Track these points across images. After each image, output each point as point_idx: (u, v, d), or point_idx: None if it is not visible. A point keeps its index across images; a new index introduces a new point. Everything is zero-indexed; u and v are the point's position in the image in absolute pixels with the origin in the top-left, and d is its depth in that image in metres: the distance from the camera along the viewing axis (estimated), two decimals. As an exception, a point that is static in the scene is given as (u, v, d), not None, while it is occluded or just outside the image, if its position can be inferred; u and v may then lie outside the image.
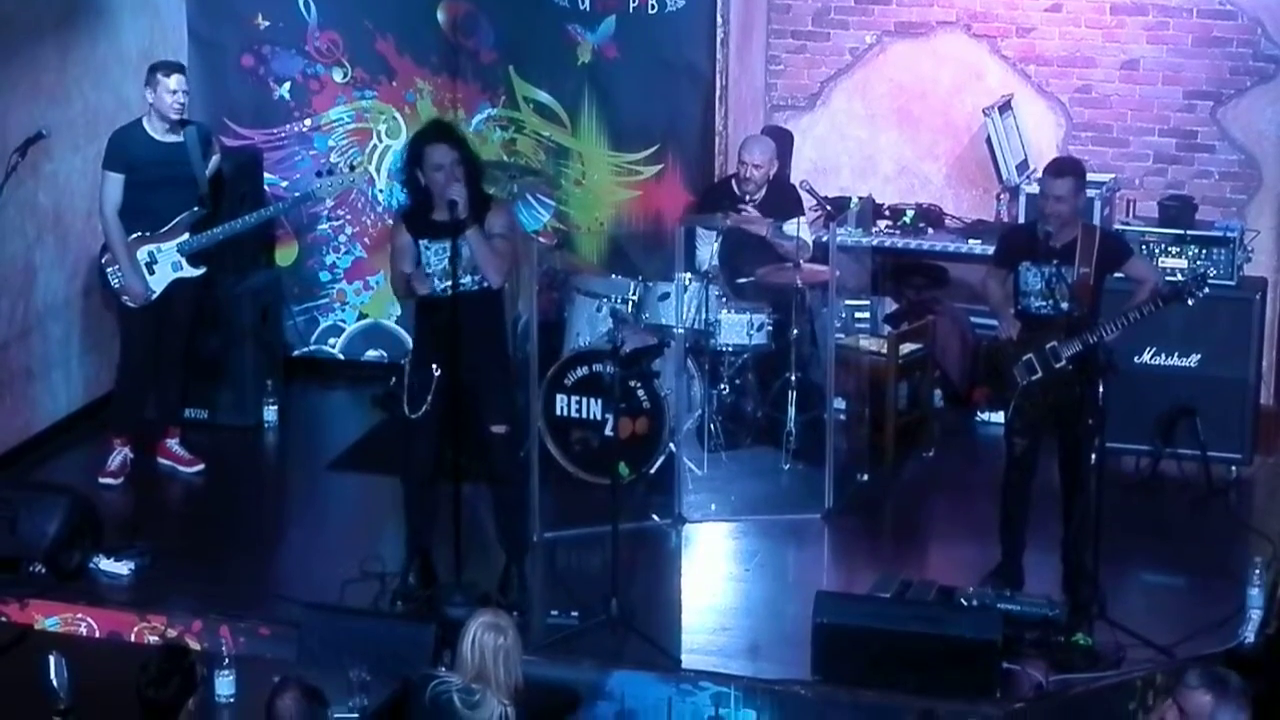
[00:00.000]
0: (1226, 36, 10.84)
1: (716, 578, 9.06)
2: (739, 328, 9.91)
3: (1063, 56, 11.12)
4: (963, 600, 8.14)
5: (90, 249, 10.24)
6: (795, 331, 9.93)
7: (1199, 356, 9.92)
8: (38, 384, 10.25)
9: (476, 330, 8.24)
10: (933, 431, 10.42)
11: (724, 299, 9.94)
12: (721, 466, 9.93)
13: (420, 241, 8.27)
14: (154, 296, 9.67)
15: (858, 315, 10.58)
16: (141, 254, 9.62)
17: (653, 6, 10.77)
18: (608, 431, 9.32)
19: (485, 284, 8.25)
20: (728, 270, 10.09)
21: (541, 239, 10.80)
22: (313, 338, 11.48)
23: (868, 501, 9.76)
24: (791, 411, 9.95)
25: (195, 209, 9.69)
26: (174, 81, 9.51)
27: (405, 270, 8.31)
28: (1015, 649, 7.87)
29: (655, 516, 9.44)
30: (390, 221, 11.06)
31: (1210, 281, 8.66)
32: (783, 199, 10.28)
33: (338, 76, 11.23)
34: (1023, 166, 10.93)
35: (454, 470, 8.32)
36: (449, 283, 8.13)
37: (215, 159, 9.92)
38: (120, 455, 9.86)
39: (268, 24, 11.21)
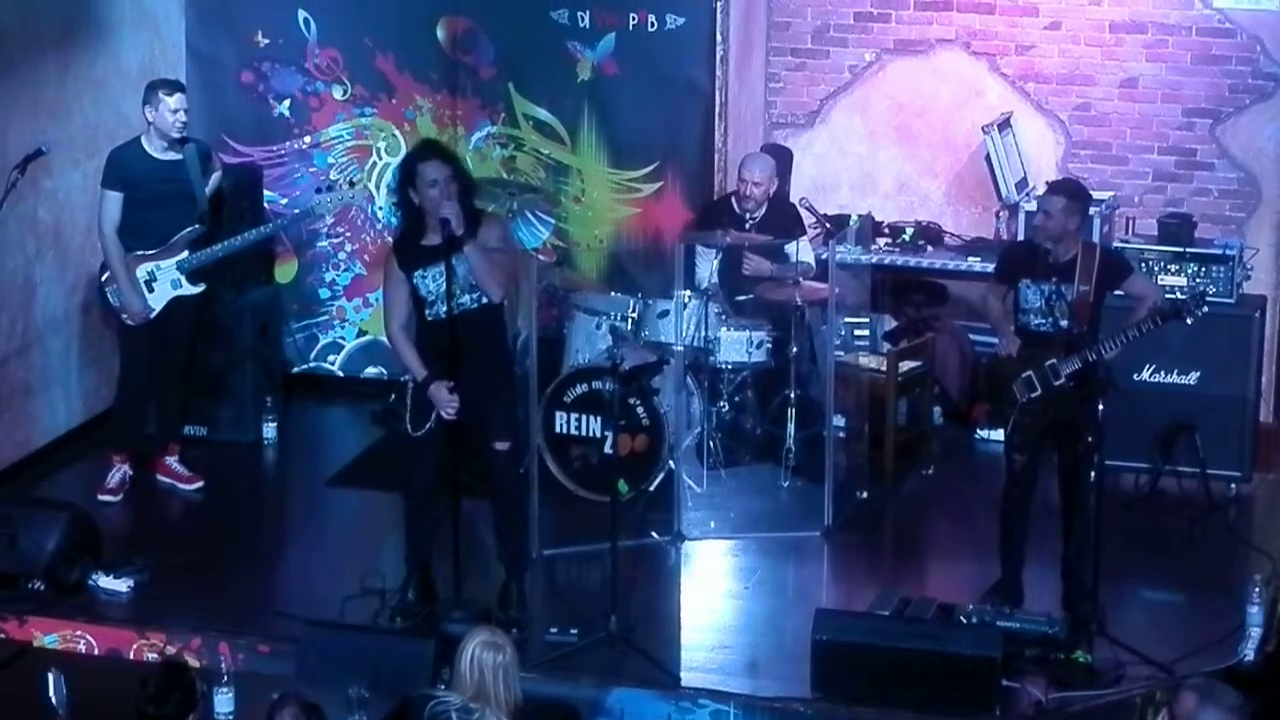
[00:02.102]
0: (1225, 54, 10.86)
1: (716, 595, 9.05)
2: (738, 345, 9.91)
3: (1062, 74, 11.14)
4: (962, 617, 8.14)
5: (90, 265, 10.25)
6: (795, 349, 9.93)
7: (1198, 374, 9.92)
8: (37, 399, 10.25)
9: (479, 347, 8.23)
10: (932, 448, 10.42)
11: (723, 316, 9.94)
12: (721, 483, 9.93)
13: (415, 273, 8.23)
14: (153, 314, 9.67)
15: (857, 332, 10.59)
16: (141, 272, 9.62)
17: (653, 24, 10.78)
18: (607, 448, 9.32)
19: (484, 300, 8.25)
20: (727, 287, 10.10)
21: (541, 256, 10.80)
22: (312, 354, 11.48)
23: (867, 519, 9.76)
24: (791, 428, 9.96)
25: (195, 226, 9.70)
26: (175, 100, 9.52)
27: (398, 302, 8.30)
28: (1015, 666, 7.86)
29: (655, 534, 9.43)
30: (390, 239, 11.17)
31: (1209, 299, 8.67)
32: (782, 217, 10.29)
33: (337, 93, 11.24)
34: (1022, 184, 10.94)
35: (455, 486, 8.31)
36: (448, 305, 8.13)
37: (216, 176, 9.93)
38: (119, 472, 9.86)
39: (267, 41, 11.22)
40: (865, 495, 9.90)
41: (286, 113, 11.30)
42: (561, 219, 11.14)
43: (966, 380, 10.75)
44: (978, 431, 10.63)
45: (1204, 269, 10.01)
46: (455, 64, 11.09)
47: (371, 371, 11.41)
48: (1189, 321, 8.44)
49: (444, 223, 8.06)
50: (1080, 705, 7.80)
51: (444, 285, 8.12)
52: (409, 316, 8.32)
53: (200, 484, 10.04)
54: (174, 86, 9.63)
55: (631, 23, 10.81)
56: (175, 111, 9.51)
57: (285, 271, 11.41)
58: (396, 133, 11.22)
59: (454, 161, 8.29)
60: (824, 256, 9.92)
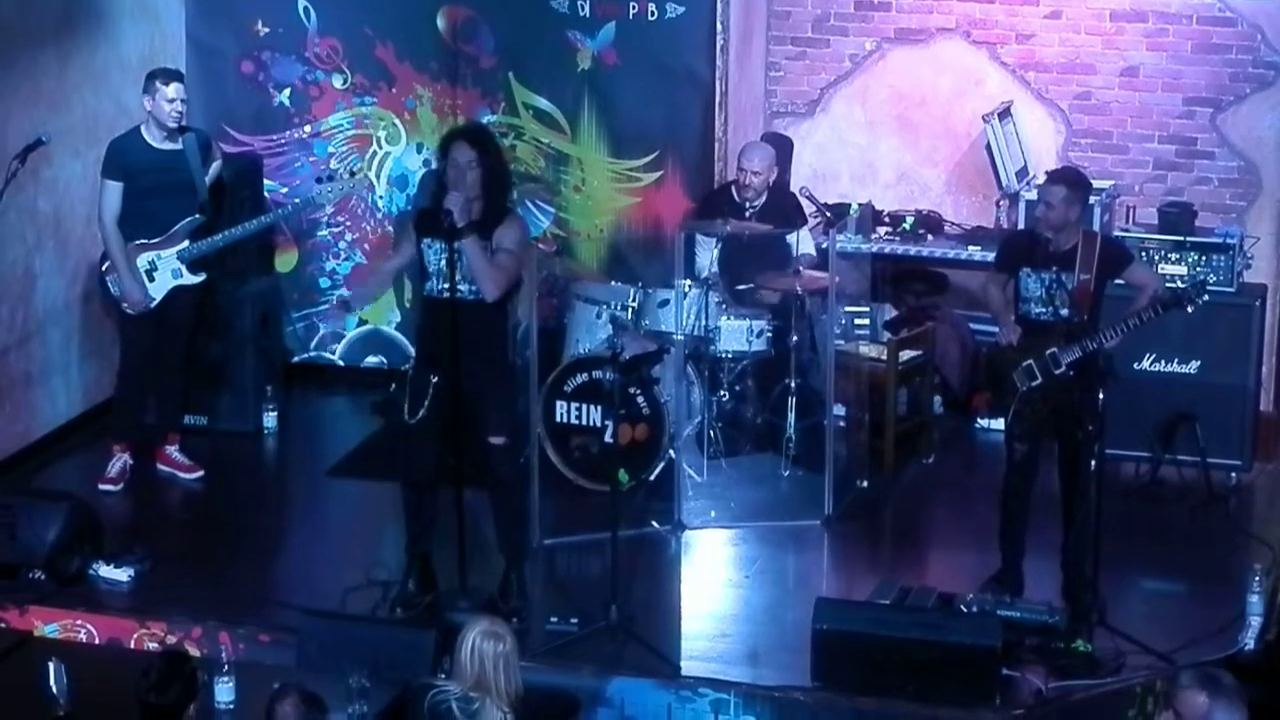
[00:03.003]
0: (1226, 43, 10.85)
1: (716, 584, 9.06)
2: (739, 334, 9.91)
3: (1062, 63, 11.13)
4: (962, 606, 8.14)
5: (90, 255, 10.25)
6: (795, 338, 9.93)
7: (1199, 363, 9.92)
8: (37, 390, 10.25)
9: (476, 339, 8.22)
10: (932, 438, 10.42)
11: (724, 305, 9.94)
12: (721, 473, 9.93)
13: (424, 240, 8.27)
14: (153, 304, 9.68)
15: (857, 321, 10.56)
16: (142, 261, 9.62)
17: (653, 13, 10.77)
18: (607, 438, 9.32)
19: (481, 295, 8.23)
20: (727, 276, 10.09)
21: (541, 245, 10.79)
22: (312, 344, 11.48)
23: (867, 508, 9.76)
24: (791, 418, 9.96)
25: (195, 216, 9.70)
26: (172, 90, 9.51)
27: (400, 246, 8.60)
28: (1015, 655, 7.87)
29: (655, 523, 9.43)
30: (389, 228, 11.17)
31: (1210, 288, 8.68)
32: (782, 206, 10.29)
33: (337, 83, 11.23)
34: (1022, 173, 10.93)
35: (458, 476, 8.31)
36: (445, 285, 8.13)
37: (216, 165, 9.93)
38: (120, 462, 9.86)
39: (267, 30, 11.22)
40: (865, 485, 9.90)
41: (286, 102, 11.30)
42: (562, 208, 11.14)
43: (967, 369, 10.75)
44: (978, 421, 10.63)
45: (1204, 258, 10.01)
46: (455, 53, 11.08)
47: (372, 361, 11.41)
48: (1189, 310, 8.44)
49: (446, 212, 8.06)
50: (1080, 694, 7.80)
51: (445, 260, 8.14)
52: (404, 262, 8.63)
53: (200, 473, 10.05)
54: (170, 76, 9.62)
55: (631, 12, 10.80)
56: (171, 101, 9.50)
57: (285, 261, 11.41)
58: (397, 122, 11.21)
59: (485, 153, 8.20)
60: (824, 246, 9.91)
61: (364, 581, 8.62)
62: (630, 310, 9.97)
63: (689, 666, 8.05)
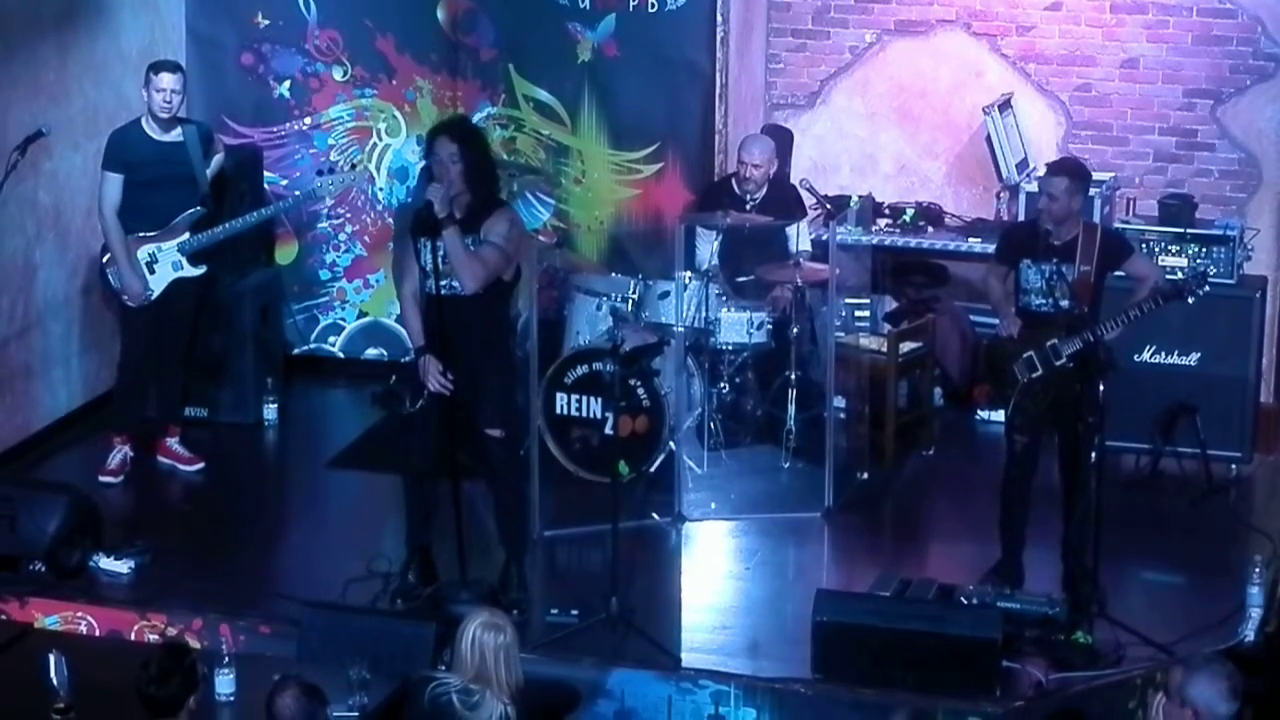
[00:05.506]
0: (1226, 35, 10.85)
1: (716, 576, 9.06)
2: (739, 326, 9.91)
3: (1063, 55, 11.13)
4: (962, 598, 8.14)
5: (90, 247, 10.24)
6: (795, 330, 9.93)
7: (1199, 355, 9.92)
8: (38, 382, 10.25)
9: (471, 333, 8.20)
10: (932, 430, 10.42)
11: (724, 297, 9.94)
12: (721, 465, 9.93)
13: (420, 240, 8.22)
14: (153, 296, 9.67)
15: (858, 314, 10.58)
16: (142, 253, 9.61)
17: (653, 5, 10.76)
18: (608, 430, 9.32)
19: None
20: (727, 268, 10.09)
21: (541, 237, 10.79)
22: (313, 336, 11.48)
23: (868, 500, 9.76)
24: (791, 410, 9.96)
25: (196, 208, 9.69)
26: (164, 80, 9.49)
27: (405, 266, 8.32)
28: (1015, 647, 7.87)
29: (655, 515, 9.44)
30: (389, 220, 11.17)
31: (1210, 280, 8.67)
32: (783, 198, 10.28)
33: (337, 75, 11.23)
34: (1022, 165, 10.93)
35: (454, 468, 8.31)
36: (435, 284, 8.12)
37: (218, 158, 9.93)
38: (120, 453, 9.86)
39: (267, 22, 11.21)
40: (865, 476, 9.91)
41: (286, 94, 11.29)
42: (562, 200, 11.14)
43: (967, 361, 10.75)
44: (978, 412, 10.62)
45: (1204, 250, 10.00)
46: (455, 45, 11.08)
47: (372, 353, 11.41)
48: (1190, 302, 8.45)
49: (427, 204, 8.04)
50: (1081, 686, 7.80)
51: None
52: (419, 283, 8.26)
53: (201, 465, 10.05)
54: (163, 66, 9.60)
55: (632, 4, 10.79)
56: (161, 91, 9.47)
57: (286, 253, 11.41)
58: (397, 114, 11.21)
59: (466, 147, 8.15)
60: (824, 238, 9.91)
61: (364, 573, 8.63)
62: (630, 302, 9.97)
63: (689, 658, 8.05)
